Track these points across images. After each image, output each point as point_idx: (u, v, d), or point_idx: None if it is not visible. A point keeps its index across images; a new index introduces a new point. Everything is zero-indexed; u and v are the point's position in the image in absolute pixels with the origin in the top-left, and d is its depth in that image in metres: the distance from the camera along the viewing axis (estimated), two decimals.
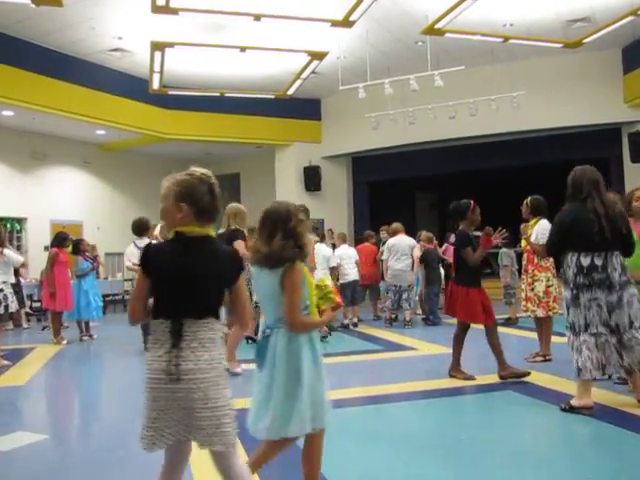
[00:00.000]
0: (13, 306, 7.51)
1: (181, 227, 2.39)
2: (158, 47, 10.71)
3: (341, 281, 9.70)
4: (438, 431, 4.19)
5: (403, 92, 11.99)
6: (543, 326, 6.27)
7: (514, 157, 14.40)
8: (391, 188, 16.64)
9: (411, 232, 10.70)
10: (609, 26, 10.45)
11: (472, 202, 5.60)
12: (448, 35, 10.54)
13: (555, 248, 4.48)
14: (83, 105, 12.72)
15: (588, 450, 3.64)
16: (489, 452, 3.67)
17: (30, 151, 14.17)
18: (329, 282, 3.02)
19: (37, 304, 12.38)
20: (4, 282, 7.41)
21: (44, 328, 10.77)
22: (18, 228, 13.89)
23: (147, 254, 2.40)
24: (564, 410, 4.31)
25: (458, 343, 5.59)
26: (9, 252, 7.79)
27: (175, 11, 9.09)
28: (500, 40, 11.15)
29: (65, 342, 8.93)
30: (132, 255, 7.87)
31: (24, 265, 9.31)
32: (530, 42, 11.44)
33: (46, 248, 10.76)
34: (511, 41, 11.17)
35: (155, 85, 12.56)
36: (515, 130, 13.78)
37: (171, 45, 10.70)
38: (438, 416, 4.58)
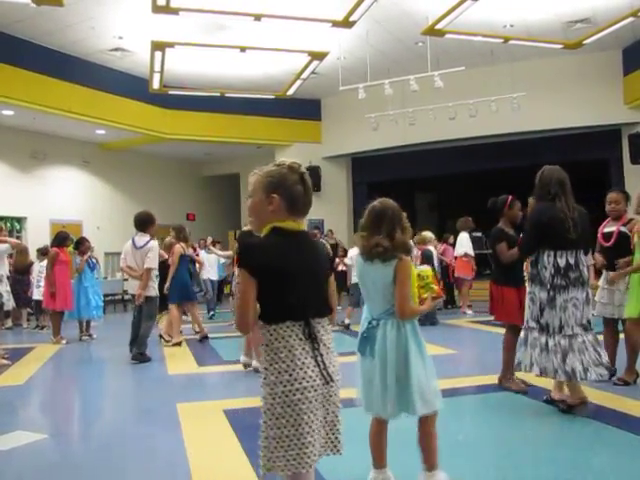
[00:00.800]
0: (10, 304, 7.49)
1: (277, 222, 2.23)
2: (158, 47, 10.71)
3: (352, 281, 9.62)
4: (441, 432, 4.18)
5: (403, 93, 12.00)
6: None
7: (514, 158, 14.40)
8: (391, 188, 16.43)
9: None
10: (609, 27, 10.46)
11: (509, 197, 5.35)
12: (448, 36, 10.55)
13: (534, 248, 4.44)
14: (83, 105, 12.73)
15: (586, 451, 3.65)
16: (486, 453, 3.67)
17: (30, 151, 14.17)
18: (430, 272, 3.16)
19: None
20: None
21: (39, 327, 10.71)
22: (18, 227, 13.89)
23: (250, 253, 2.21)
24: (546, 401, 4.51)
25: (506, 348, 5.13)
26: None
27: (175, 11, 9.09)
28: (500, 41, 11.17)
29: (64, 342, 8.92)
30: (128, 255, 7.27)
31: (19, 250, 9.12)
32: (530, 43, 11.45)
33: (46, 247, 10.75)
34: (511, 42, 11.18)
35: (155, 85, 12.56)
36: (515, 131, 13.79)
37: (171, 45, 10.70)
38: (442, 417, 4.58)
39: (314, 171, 16.12)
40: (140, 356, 7.10)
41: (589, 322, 4.29)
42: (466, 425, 4.34)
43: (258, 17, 9.40)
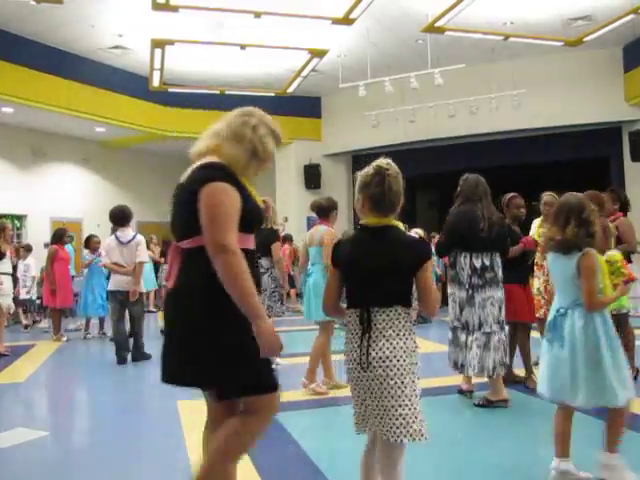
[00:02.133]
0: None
1: (363, 219, 2.49)
2: (158, 44, 10.71)
3: None
4: (435, 430, 4.19)
5: (403, 90, 11.98)
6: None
7: (514, 155, 14.38)
8: None
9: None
10: (610, 24, 10.43)
11: (506, 197, 5.42)
12: (448, 33, 10.54)
13: (449, 249, 4.64)
14: (83, 102, 12.73)
15: (589, 449, 3.64)
16: (486, 451, 3.67)
17: (30, 148, 14.17)
18: (619, 256, 3.32)
19: (37, 301, 12.37)
20: None
21: (26, 327, 10.62)
22: (18, 225, 13.89)
23: (335, 248, 2.55)
24: (479, 405, 4.58)
25: (516, 345, 5.18)
26: None
27: (175, 8, 9.09)
28: (500, 38, 11.15)
29: (65, 339, 8.93)
30: (113, 252, 6.96)
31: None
32: (530, 40, 11.42)
33: (46, 245, 10.74)
34: (511, 39, 11.16)
35: (155, 82, 12.55)
36: (515, 128, 13.77)
37: (171, 42, 10.69)
38: (434, 415, 4.58)
39: (314, 169, 16.12)
40: (142, 355, 7.07)
41: (503, 321, 4.51)
42: (464, 424, 4.34)
43: (258, 14, 9.40)
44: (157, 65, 11.63)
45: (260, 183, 12.15)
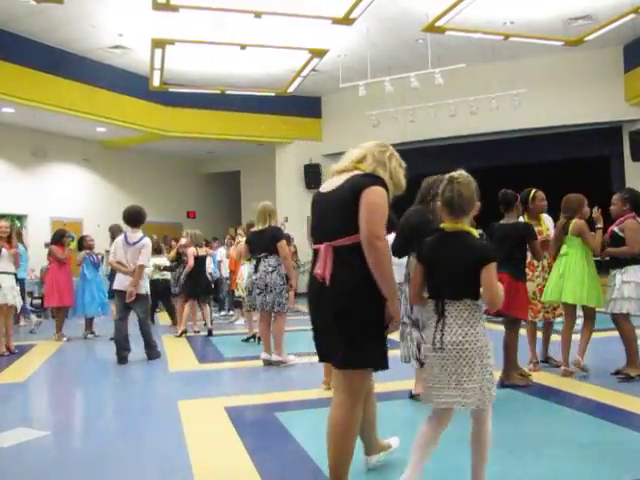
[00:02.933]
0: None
1: (443, 223, 2.90)
2: (159, 44, 10.71)
3: None
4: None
5: (404, 90, 11.98)
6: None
7: (515, 155, 14.38)
8: None
9: None
10: (610, 24, 10.43)
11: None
12: (448, 33, 10.54)
13: (404, 250, 4.55)
14: (84, 102, 12.73)
15: (587, 448, 3.64)
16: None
17: (31, 148, 14.18)
18: None
19: (38, 301, 12.38)
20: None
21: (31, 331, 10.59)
22: (18, 225, 13.90)
23: (422, 245, 3.00)
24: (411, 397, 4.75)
25: (509, 345, 5.13)
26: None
27: (176, 8, 9.09)
28: (501, 38, 11.14)
29: (65, 339, 8.94)
30: (119, 251, 7.01)
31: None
32: (531, 40, 11.42)
33: (46, 245, 10.75)
34: (512, 39, 11.16)
35: (156, 82, 12.55)
36: (516, 128, 13.77)
37: (172, 42, 10.69)
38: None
39: (314, 168, 16.12)
40: (154, 353, 7.15)
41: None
42: (462, 423, 4.34)
43: (258, 14, 9.40)
44: (157, 65, 11.63)
45: (260, 183, 12.23)
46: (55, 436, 4.28)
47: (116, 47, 12.30)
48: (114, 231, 8.96)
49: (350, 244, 2.68)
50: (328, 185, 2.95)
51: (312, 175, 16.13)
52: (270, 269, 6.33)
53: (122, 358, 6.90)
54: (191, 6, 9.20)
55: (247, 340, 8.35)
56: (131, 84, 13.70)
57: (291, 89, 13.42)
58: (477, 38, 11.23)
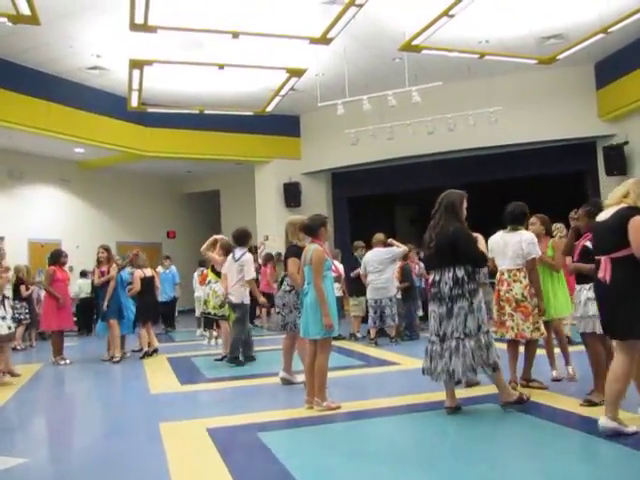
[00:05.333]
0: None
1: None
2: (137, 65, 10.71)
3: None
4: (423, 446, 4.19)
5: (381, 108, 12.09)
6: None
7: (492, 171, 14.57)
8: (371, 203, 16.71)
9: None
10: (581, 43, 10.67)
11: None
12: (425, 52, 10.69)
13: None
14: (61, 123, 12.67)
15: (580, 465, 3.65)
16: (473, 466, 3.67)
17: (7, 169, 14.05)
18: None
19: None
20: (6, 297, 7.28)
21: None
22: None
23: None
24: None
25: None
26: None
27: (153, 29, 9.12)
28: (476, 56, 11.34)
29: (64, 362, 8.69)
30: (227, 265, 7.87)
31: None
32: (505, 58, 11.64)
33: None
34: (487, 57, 11.37)
35: (134, 103, 12.54)
36: (493, 145, 13.96)
37: (150, 63, 10.71)
38: (422, 430, 4.59)
39: (294, 187, 16.17)
40: (234, 360, 7.70)
41: (444, 335, 4.67)
42: (451, 439, 4.34)
43: (236, 34, 9.46)
44: (135, 85, 11.63)
45: (240, 202, 12.27)
46: (33, 462, 4.19)
47: (94, 68, 12.29)
48: (227, 248, 8.74)
49: (624, 255, 3.85)
50: (603, 215, 4.11)
51: (291, 193, 16.16)
52: (288, 288, 6.18)
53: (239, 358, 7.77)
54: (169, 27, 9.23)
55: (221, 360, 8.21)
56: (109, 104, 13.66)
57: (270, 108, 13.48)
58: (453, 57, 11.41)
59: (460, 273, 4.66)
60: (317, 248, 5.19)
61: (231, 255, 7.93)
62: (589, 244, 4.88)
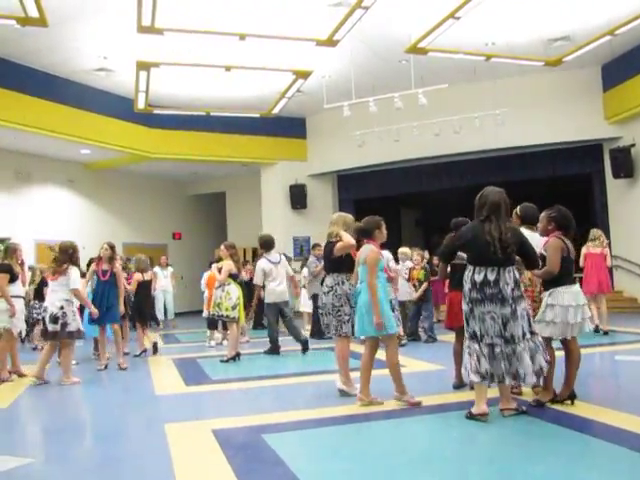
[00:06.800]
0: (74, 325, 7.28)
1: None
2: (143, 67, 10.74)
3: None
4: (424, 448, 4.18)
5: (388, 110, 12.10)
6: None
7: (498, 174, 14.53)
8: (376, 205, 16.68)
9: (397, 248, 10.61)
10: (588, 45, 10.65)
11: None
12: (431, 54, 10.68)
13: (444, 257, 5.39)
14: (68, 124, 12.72)
15: (579, 467, 3.64)
16: (474, 469, 3.66)
17: (14, 170, 14.10)
18: None
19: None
20: (66, 300, 7.27)
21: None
22: (1, 248, 13.74)
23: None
24: (467, 417, 4.62)
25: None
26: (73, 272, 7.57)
27: (160, 31, 9.15)
28: (482, 59, 11.32)
29: (74, 362, 8.69)
30: (268, 270, 8.66)
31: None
32: (512, 60, 11.61)
33: (30, 268, 10.60)
34: (493, 59, 11.34)
35: (140, 104, 12.57)
36: (499, 147, 13.94)
37: (156, 65, 10.73)
38: (423, 433, 4.57)
39: (300, 189, 16.18)
40: (270, 350, 8.71)
41: (512, 336, 4.50)
42: (453, 441, 4.33)
43: (243, 37, 9.48)
44: (142, 87, 11.66)
45: (246, 204, 12.31)
46: (39, 463, 4.20)
47: (101, 69, 12.33)
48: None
49: None
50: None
51: (297, 195, 16.18)
52: (326, 289, 5.80)
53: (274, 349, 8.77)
54: (176, 29, 9.26)
55: (227, 361, 8.21)
56: (116, 106, 13.71)
57: (276, 110, 13.50)
58: (459, 59, 11.40)
59: (517, 274, 4.60)
60: (372, 249, 5.31)
61: (265, 260, 8.75)
62: (543, 250, 4.95)
